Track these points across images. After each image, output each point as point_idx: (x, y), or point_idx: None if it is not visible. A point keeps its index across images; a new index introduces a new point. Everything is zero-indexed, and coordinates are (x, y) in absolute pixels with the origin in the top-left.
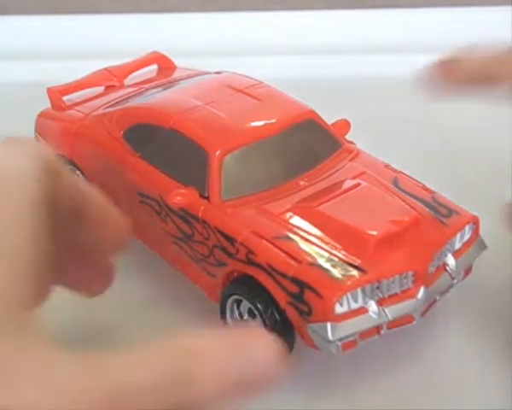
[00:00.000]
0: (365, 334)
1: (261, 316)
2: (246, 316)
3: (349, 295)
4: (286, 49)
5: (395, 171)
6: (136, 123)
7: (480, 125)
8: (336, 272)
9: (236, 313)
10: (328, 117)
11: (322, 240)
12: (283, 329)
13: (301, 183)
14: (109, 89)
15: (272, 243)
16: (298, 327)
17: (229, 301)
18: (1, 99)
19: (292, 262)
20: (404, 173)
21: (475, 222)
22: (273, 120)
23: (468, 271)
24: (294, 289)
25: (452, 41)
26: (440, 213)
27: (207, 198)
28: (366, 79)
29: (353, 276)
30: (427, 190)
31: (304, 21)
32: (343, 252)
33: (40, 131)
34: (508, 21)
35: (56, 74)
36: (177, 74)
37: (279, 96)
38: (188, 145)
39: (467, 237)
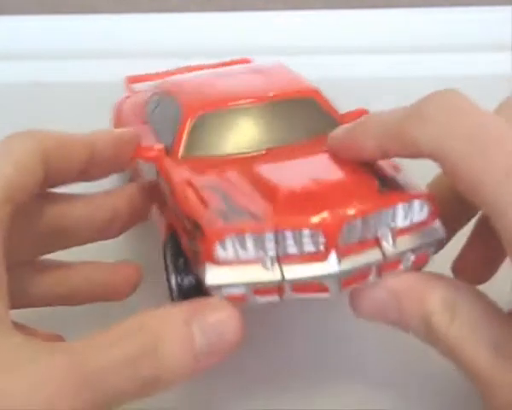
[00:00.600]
0: (260, 291)
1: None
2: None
3: (234, 238)
4: (286, 50)
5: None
6: (153, 94)
7: None
8: (230, 216)
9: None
10: None
11: (239, 190)
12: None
13: (263, 152)
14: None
15: (193, 190)
16: (197, 273)
17: (168, 251)
18: (1, 99)
19: (197, 205)
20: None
21: (430, 201)
22: (262, 91)
23: (421, 258)
24: (191, 230)
25: (452, 41)
26: (386, 185)
27: (170, 153)
28: (366, 79)
29: (244, 221)
30: (395, 167)
31: (304, 21)
32: (251, 203)
33: (112, 115)
34: (508, 21)
35: (56, 74)
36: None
37: (287, 74)
38: (174, 108)
39: (417, 216)
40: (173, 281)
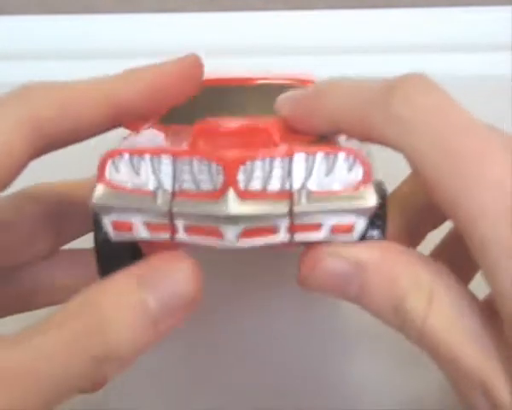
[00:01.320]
0: (151, 225)
1: None
2: None
3: (129, 160)
4: (286, 49)
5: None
6: None
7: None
8: (133, 145)
9: None
10: None
11: (164, 138)
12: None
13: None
14: None
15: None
16: None
17: None
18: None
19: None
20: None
21: (361, 162)
22: (256, 77)
23: (343, 227)
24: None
25: (452, 41)
26: (317, 141)
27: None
28: (366, 79)
29: (137, 148)
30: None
31: (304, 21)
32: (165, 142)
33: None
34: (508, 21)
35: (56, 74)
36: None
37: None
38: None
39: (343, 176)
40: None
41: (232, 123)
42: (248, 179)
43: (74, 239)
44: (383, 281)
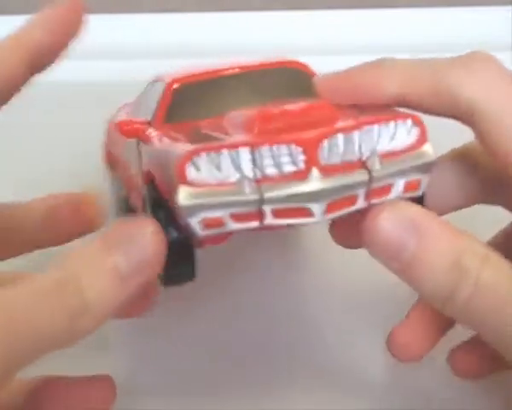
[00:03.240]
0: (238, 215)
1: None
2: None
3: (208, 157)
4: (286, 49)
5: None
6: (141, 93)
7: None
8: (203, 141)
9: None
10: None
11: (213, 131)
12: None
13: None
14: None
15: (168, 137)
16: (172, 211)
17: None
18: None
19: (171, 143)
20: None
21: (417, 122)
22: (247, 64)
23: (412, 184)
24: (164, 162)
25: (452, 41)
26: (370, 111)
27: (150, 123)
28: None
29: (216, 142)
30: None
31: (304, 21)
32: (227, 133)
33: None
34: (508, 21)
35: (56, 74)
36: None
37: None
38: (157, 88)
39: (404, 138)
40: None
41: (289, 105)
42: (327, 155)
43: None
44: (443, 240)
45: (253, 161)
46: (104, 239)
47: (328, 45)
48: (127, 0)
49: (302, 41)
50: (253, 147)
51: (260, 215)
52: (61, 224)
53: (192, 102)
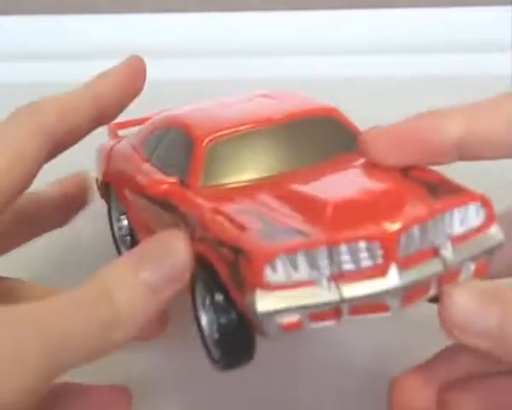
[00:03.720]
0: (317, 315)
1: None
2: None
3: (285, 258)
4: (286, 49)
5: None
6: (153, 132)
7: None
8: (274, 235)
9: (204, 299)
10: None
11: (279, 213)
12: (229, 312)
13: (288, 173)
14: None
15: (225, 217)
16: (239, 303)
17: (197, 285)
18: (1, 100)
19: (235, 231)
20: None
21: (485, 203)
22: (277, 114)
23: (481, 267)
24: (231, 257)
25: (452, 41)
26: (435, 190)
27: (186, 186)
28: (366, 79)
29: (294, 240)
30: (436, 174)
31: (304, 21)
32: (293, 221)
33: (98, 160)
34: (508, 21)
35: (57, 74)
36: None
37: (301, 97)
38: (181, 139)
39: (473, 221)
40: (205, 320)
41: (358, 192)
42: (404, 248)
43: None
44: None
45: (330, 257)
46: (136, 254)
47: (328, 45)
48: (127, 0)
49: (302, 41)
50: (332, 245)
51: (338, 313)
52: (70, 205)
53: (229, 162)
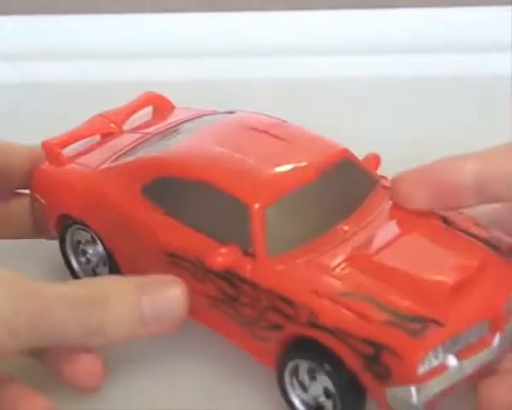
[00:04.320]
0: (447, 391)
1: (329, 378)
2: (306, 381)
3: (430, 353)
4: (286, 49)
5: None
6: (158, 176)
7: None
8: (413, 329)
9: (295, 379)
10: (329, 117)
11: (388, 294)
12: (354, 392)
13: (345, 228)
14: (107, 137)
15: (336, 302)
16: (372, 391)
17: (289, 366)
18: (2, 99)
19: (362, 322)
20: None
21: None
22: (308, 164)
23: None
24: (369, 351)
25: (452, 41)
26: (502, 250)
27: (252, 256)
28: (366, 80)
29: (432, 331)
30: (479, 225)
31: (304, 21)
32: (414, 306)
33: (38, 189)
34: (508, 21)
35: (57, 74)
36: (178, 116)
37: (307, 136)
38: (221, 198)
39: None
40: (299, 400)
41: (457, 270)
42: (506, 315)
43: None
44: None
45: (453, 340)
46: (141, 280)
47: (328, 45)
48: (127, 0)
49: (302, 41)
50: (458, 333)
51: (458, 386)
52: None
53: (286, 225)
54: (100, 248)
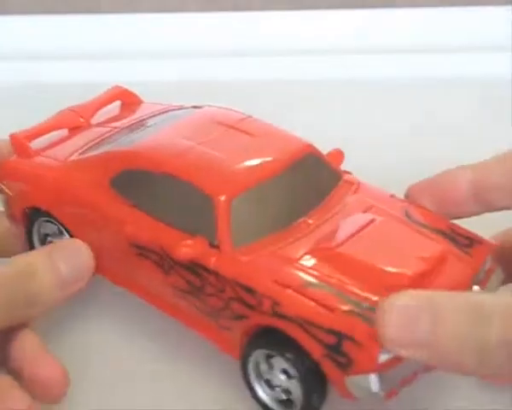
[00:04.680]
0: (405, 381)
1: (294, 367)
2: (277, 369)
3: None
4: (286, 50)
5: (402, 201)
6: (125, 169)
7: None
8: (373, 319)
9: (263, 366)
10: (330, 117)
11: (349, 284)
12: (316, 380)
13: (310, 221)
14: (75, 130)
15: (298, 292)
16: (334, 379)
17: (254, 355)
18: (2, 99)
19: (324, 312)
20: (412, 203)
21: (495, 250)
22: (274, 158)
23: None
24: (331, 340)
25: (452, 41)
26: (461, 244)
27: (217, 247)
28: (366, 80)
29: None
30: (441, 219)
31: (304, 21)
32: (375, 296)
33: (6, 180)
34: (508, 21)
35: (57, 74)
36: (146, 110)
37: (273, 131)
38: (188, 191)
39: (488, 265)
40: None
41: (417, 260)
42: None
43: None
44: None
45: None
46: (48, 246)
47: (328, 45)
48: (127, 0)
49: (302, 41)
50: None
51: (417, 374)
52: None
53: (252, 217)
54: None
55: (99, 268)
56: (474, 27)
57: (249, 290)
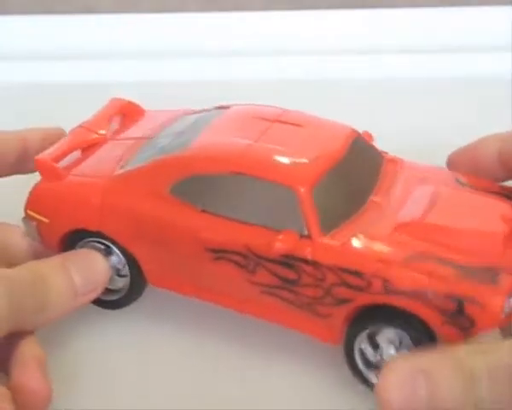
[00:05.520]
0: None
1: (412, 341)
2: (385, 346)
3: (509, 298)
4: (286, 49)
5: (446, 170)
6: (189, 175)
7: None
8: (486, 279)
9: (368, 347)
10: (330, 117)
11: (447, 251)
12: (427, 343)
13: (377, 199)
14: (93, 147)
15: (405, 267)
16: (454, 342)
17: (361, 336)
18: (2, 99)
19: (437, 281)
20: (455, 171)
21: None
22: (333, 145)
23: None
24: (451, 306)
25: (452, 41)
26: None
27: (308, 237)
28: (366, 80)
29: (504, 279)
30: (489, 182)
31: (304, 21)
32: (475, 258)
33: (38, 208)
34: (508, 21)
35: (57, 74)
36: (157, 118)
37: (316, 120)
38: (264, 187)
39: None
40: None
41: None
42: None
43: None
44: None
45: None
46: (62, 255)
47: (328, 45)
48: (127, 0)
49: (302, 41)
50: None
51: None
52: (31, 157)
53: (334, 201)
54: (115, 258)
55: (162, 281)
56: (474, 27)
57: (356, 273)
